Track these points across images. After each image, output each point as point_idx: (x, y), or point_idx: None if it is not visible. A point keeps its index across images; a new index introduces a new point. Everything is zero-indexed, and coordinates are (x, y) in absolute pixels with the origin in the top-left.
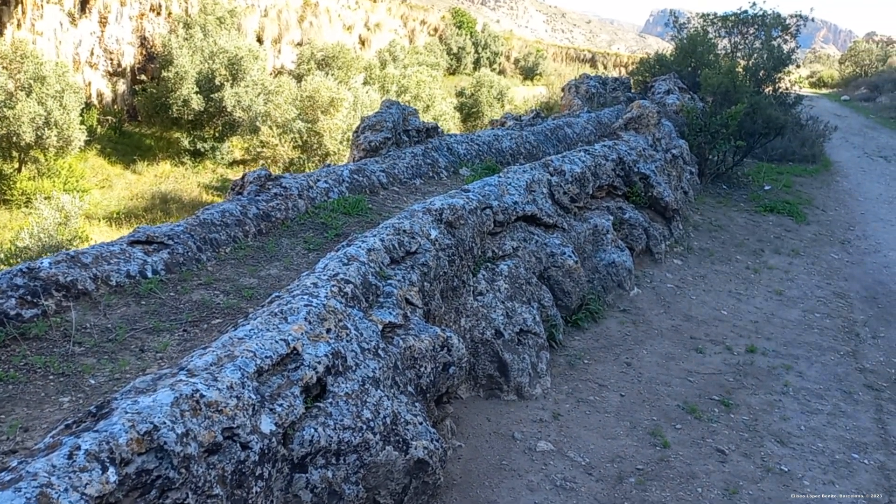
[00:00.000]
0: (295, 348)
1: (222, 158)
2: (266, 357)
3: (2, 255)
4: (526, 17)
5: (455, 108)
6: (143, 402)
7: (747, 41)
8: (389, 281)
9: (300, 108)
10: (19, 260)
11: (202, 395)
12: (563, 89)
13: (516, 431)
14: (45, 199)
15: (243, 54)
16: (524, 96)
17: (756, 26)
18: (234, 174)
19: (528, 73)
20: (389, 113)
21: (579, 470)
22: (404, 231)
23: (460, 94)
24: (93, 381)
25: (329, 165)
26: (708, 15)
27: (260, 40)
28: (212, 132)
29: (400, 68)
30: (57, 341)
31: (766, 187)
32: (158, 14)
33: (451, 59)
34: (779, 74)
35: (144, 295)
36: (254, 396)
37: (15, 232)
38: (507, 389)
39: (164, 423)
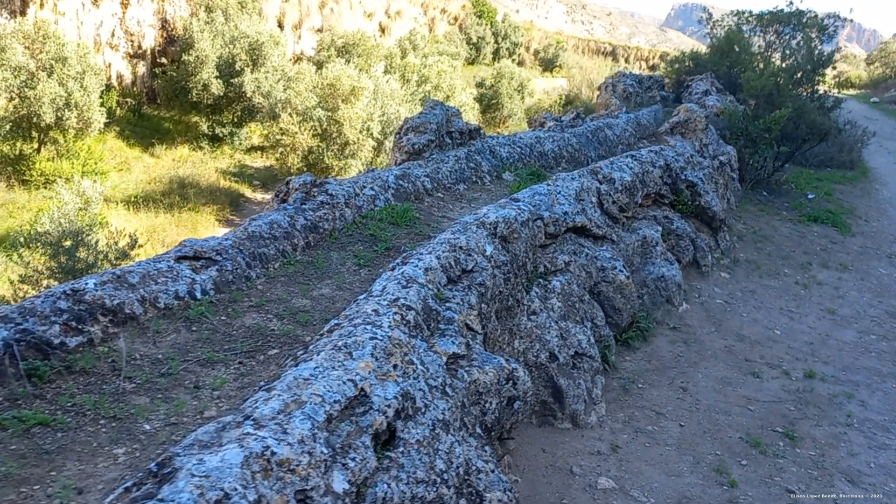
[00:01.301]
0: (363, 389)
1: (240, 144)
2: (334, 401)
3: (21, 239)
4: (546, 8)
5: (475, 98)
6: (211, 463)
7: (782, 40)
8: (448, 304)
9: (320, 96)
10: (38, 245)
11: (273, 453)
12: (599, 88)
13: (574, 465)
14: (65, 181)
15: (264, 40)
16: (544, 88)
17: (792, 25)
18: (252, 160)
19: (548, 65)
20: (433, 114)
21: None
22: (460, 247)
23: (480, 84)
24: (147, 427)
25: (373, 170)
26: (742, 12)
27: (280, 25)
28: (230, 117)
29: (420, 57)
30: (106, 375)
31: (810, 196)
32: None
33: (471, 49)
34: (817, 77)
35: (195, 319)
36: (325, 451)
37: (34, 213)
38: (562, 417)
39: (236, 488)
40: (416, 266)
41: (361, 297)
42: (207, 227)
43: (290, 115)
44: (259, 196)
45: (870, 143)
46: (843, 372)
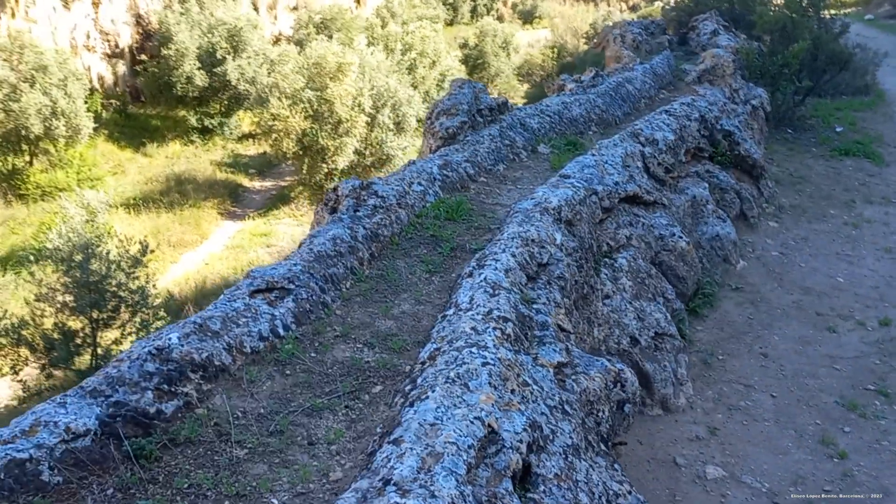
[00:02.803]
0: (490, 426)
1: (231, 134)
2: (468, 447)
3: (31, 257)
4: None
5: (460, 61)
6: None
7: None
8: (535, 306)
9: (308, 77)
10: (50, 262)
11: None
12: (607, 40)
13: (677, 455)
14: (60, 191)
15: (242, 25)
16: (528, 41)
17: None
18: (245, 148)
19: (528, 17)
20: (462, 94)
21: (763, 501)
22: (532, 240)
23: (464, 45)
24: (276, 502)
25: (414, 162)
26: None
27: (256, 8)
28: (218, 108)
29: (401, 25)
30: (213, 443)
31: (838, 129)
32: None
33: (448, 10)
34: (822, 2)
35: (286, 361)
36: None
37: (36, 228)
38: (652, 403)
39: None
40: (496, 269)
41: (449, 311)
42: (211, 221)
43: (280, 99)
44: (257, 184)
45: (881, 66)
46: None
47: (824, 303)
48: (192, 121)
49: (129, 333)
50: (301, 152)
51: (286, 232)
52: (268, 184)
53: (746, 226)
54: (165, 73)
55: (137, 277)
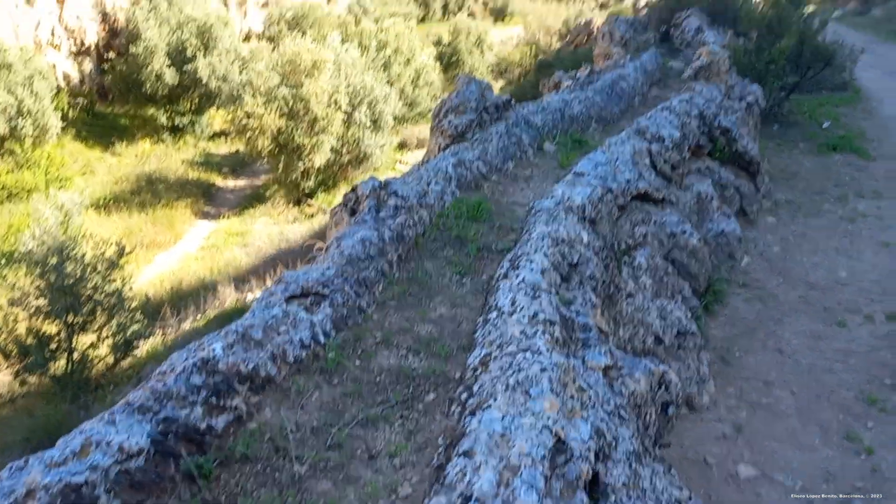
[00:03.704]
0: (557, 435)
1: (202, 132)
2: (541, 458)
3: (3, 260)
4: None
5: (434, 58)
6: None
7: None
8: (573, 307)
9: (282, 74)
10: (23, 265)
11: None
12: (597, 37)
13: (706, 454)
14: (28, 192)
15: (213, 21)
16: (501, 38)
17: None
18: (217, 147)
19: (499, 14)
20: (470, 91)
21: (798, 499)
22: (562, 240)
23: (437, 42)
24: None
25: (428, 161)
26: None
27: (225, 4)
28: (189, 106)
29: (374, 21)
30: (271, 459)
31: (825, 124)
32: None
33: (420, 7)
34: None
35: (331, 370)
36: None
37: (5, 229)
38: (678, 403)
39: None
40: (532, 269)
41: (492, 315)
42: (185, 221)
43: (254, 96)
44: (231, 183)
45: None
46: None
47: (830, 297)
48: (163, 119)
49: (106, 338)
50: (276, 150)
51: (262, 231)
52: (242, 183)
53: (746, 221)
54: (134, 71)
55: (114, 280)
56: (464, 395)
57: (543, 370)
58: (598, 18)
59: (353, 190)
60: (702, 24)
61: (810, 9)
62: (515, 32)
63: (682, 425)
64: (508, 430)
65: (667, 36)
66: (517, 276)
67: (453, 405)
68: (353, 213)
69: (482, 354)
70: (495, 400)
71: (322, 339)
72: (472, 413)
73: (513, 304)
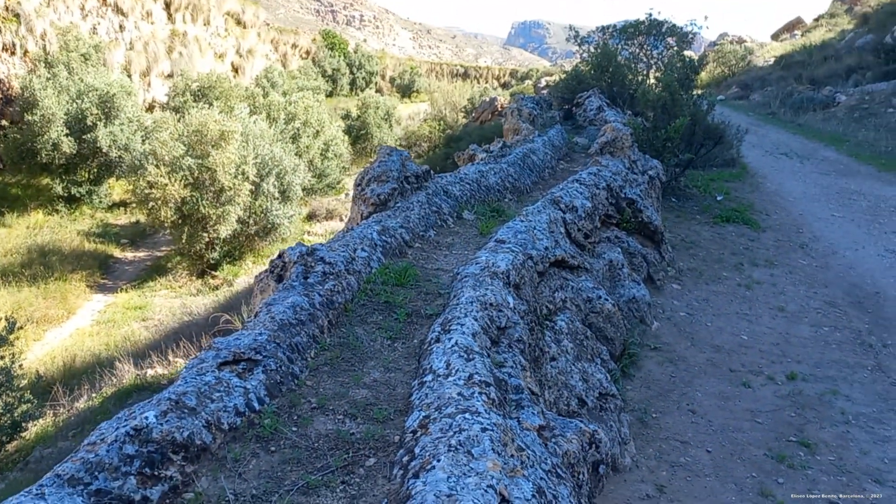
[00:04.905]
0: (502, 494)
1: (100, 202)
2: None
3: None
4: (392, 36)
5: (343, 131)
6: None
7: (645, 51)
8: (504, 369)
9: (188, 144)
10: None
11: None
12: (505, 112)
13: None
14: None
15: (115, 91)
16: (408, 114)
17: (653, 36)
18: (115, 217)
19: (405, 91)
20: (391, 161)
21: None
22: (490, 304)
23: (346, 116)
24: None
25: (353, 228)
26: (607, 27)
27: (128, 74)
28: (87, 175)
29: (282, 94)
30: None
31: (719, 198)
32: (13, 54)
33: (327, 81)
34: (691, 82)
35: (267, 437)
36: None
37: None
38: (607, 462)
39: None
40: (463, 333)
41: (427, 377)
42: (79, 294)
43: (157, 166)
44: (130, 255)
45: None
46: (817, 369)
47: (734, 360)
48: (58, 189)
49: None
50: (180, 221)
51: (163, 304)
52: (141, 254)
53: (654, 288)
54: (29, 140)
55: (2, 357)
56: (405, 458)
57: (484, 430)
58: (501, 97)
59: (280, 256)
60: (602, 104)
61: (699, 92)
62: (422, 108)
63: (607, 486)
64: (455, 491)
65: (570, 114)
66: (449, 339)
67: (395, 468)
68: (279, 279)
69: (421, 417)
70: (439, 461)
71: (257, 405)
72: (416, 475)
73: (447, 366)
